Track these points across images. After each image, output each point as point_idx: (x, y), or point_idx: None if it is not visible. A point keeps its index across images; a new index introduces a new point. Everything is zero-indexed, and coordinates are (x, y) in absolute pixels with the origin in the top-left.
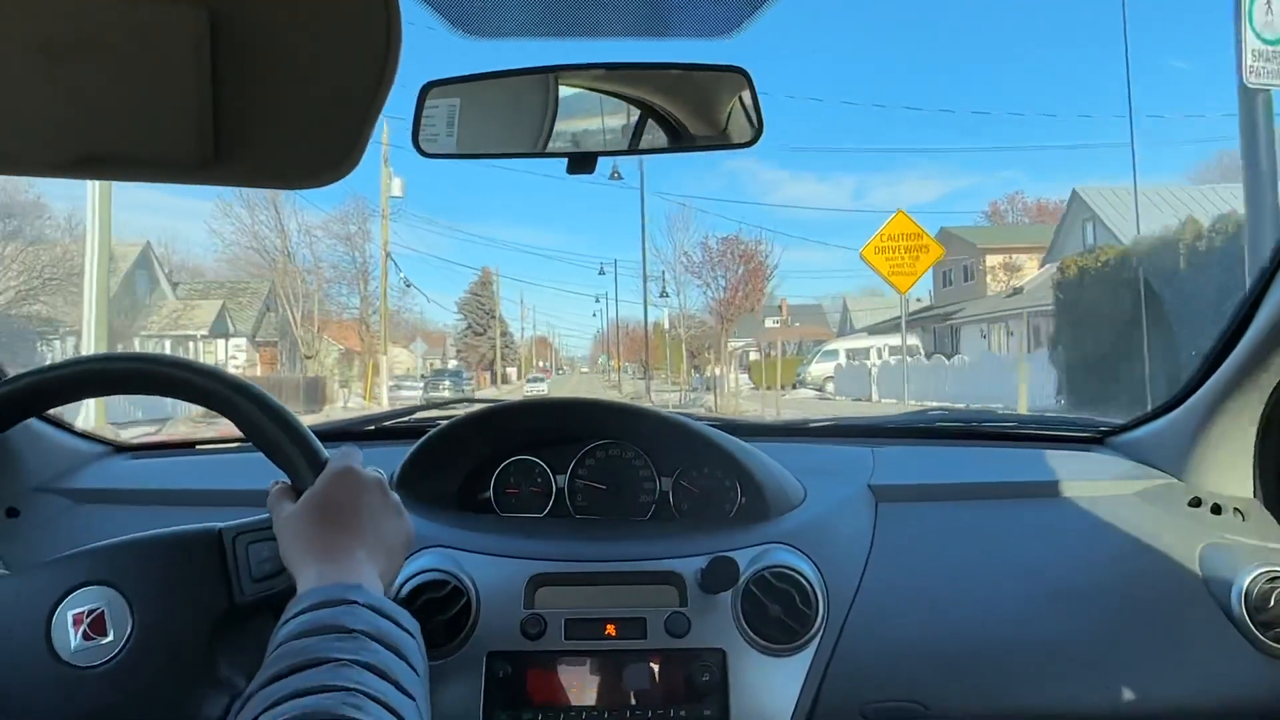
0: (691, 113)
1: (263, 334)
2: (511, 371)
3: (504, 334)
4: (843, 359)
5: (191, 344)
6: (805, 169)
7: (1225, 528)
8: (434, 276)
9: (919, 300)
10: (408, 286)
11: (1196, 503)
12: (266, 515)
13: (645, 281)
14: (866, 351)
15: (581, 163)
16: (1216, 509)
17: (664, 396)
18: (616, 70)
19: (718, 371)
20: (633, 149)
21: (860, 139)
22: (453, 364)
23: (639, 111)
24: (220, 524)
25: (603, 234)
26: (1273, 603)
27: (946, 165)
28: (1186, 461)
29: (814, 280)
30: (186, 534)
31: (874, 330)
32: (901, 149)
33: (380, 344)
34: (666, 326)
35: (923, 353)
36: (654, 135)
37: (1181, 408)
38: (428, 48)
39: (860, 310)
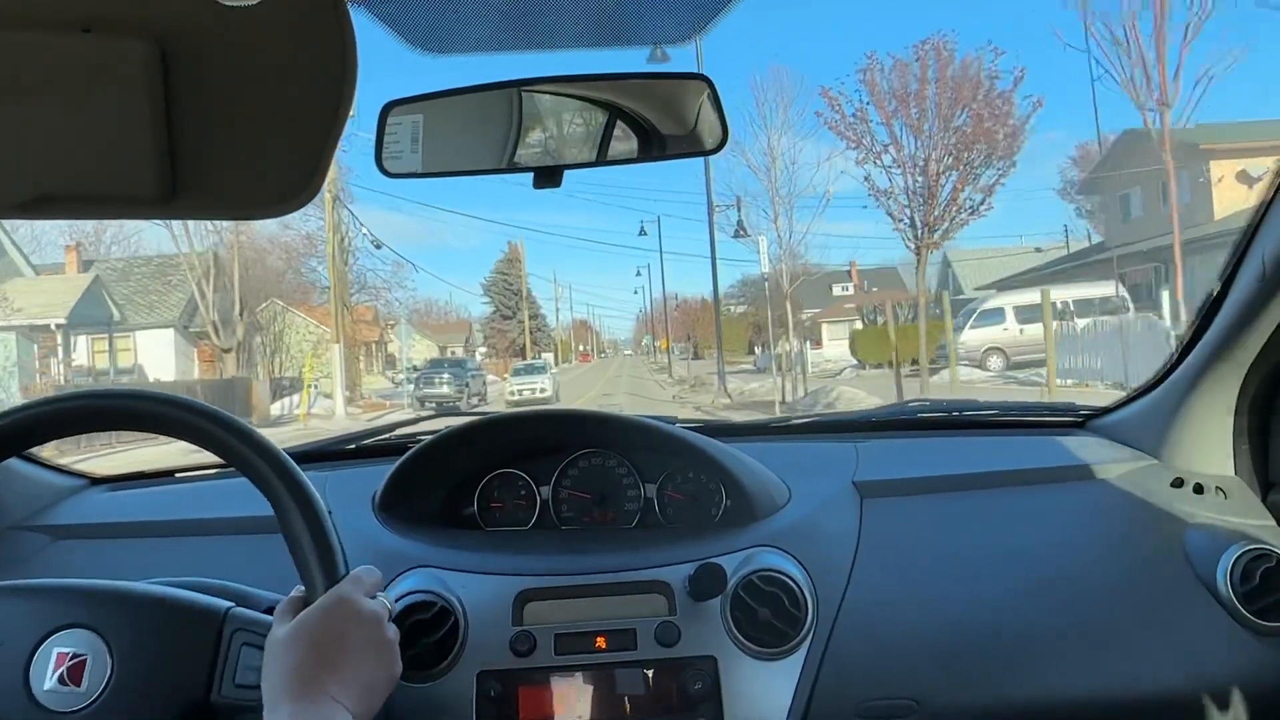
0: (657, 121)
1: (200, 323)
2: (548, 357)
3: (534, 316)
4: (1011, 321)
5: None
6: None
7: (1208, 507)
8: (459, 262)
9: (1036, 250)
10: (377, 248)
11: (1179, 483)
12: (271, 620)
13: (711, 212)
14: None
15: (548, 176)
16: (1199, 489)
17: (751, 385)
18: (580, 81)
19: (791, 346)
20: (600, 160)
21: None
22: (480, 351)
23: (604, 122)
24: (228, 605)
25: (642, 173)
26: (1258, 580)
27: None
28: (1167, 442)
29: (864, 251)
30: (191, 604)
31: (1005, 285)
32: None
33: (343, 328)
34: (766, 269)
35: (1131, 306)
36: (620, 145)
37: (1160, 388)
38: (388, 65)
39: (967, 261)
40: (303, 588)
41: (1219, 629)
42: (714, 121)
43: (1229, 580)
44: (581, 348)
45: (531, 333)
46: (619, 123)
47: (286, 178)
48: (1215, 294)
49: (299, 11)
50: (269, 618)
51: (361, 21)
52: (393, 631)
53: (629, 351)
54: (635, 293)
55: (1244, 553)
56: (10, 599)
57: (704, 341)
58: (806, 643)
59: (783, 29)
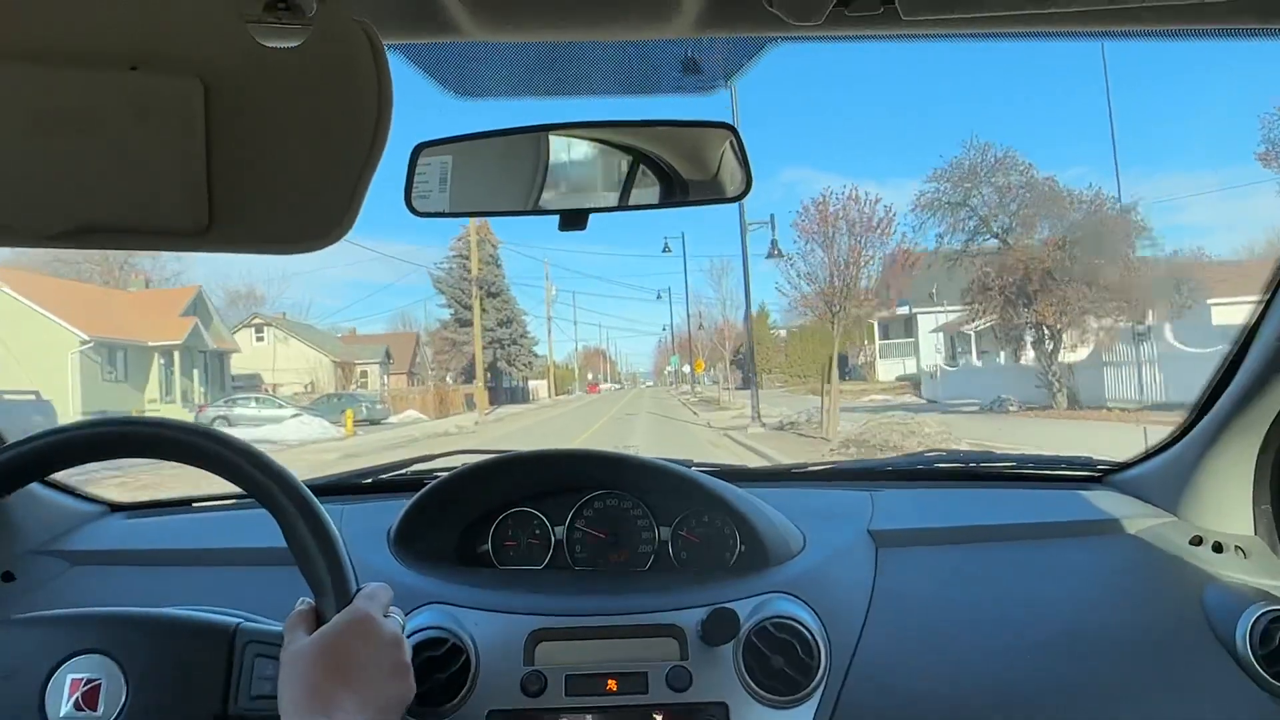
0: (681, 167)
1: None
2: (539, 386)
3: (507, 323)
4: None
5: None
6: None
7: (1227, 566)
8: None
9: None
10: None
11: (1198, 541)
12: (281, 630)
13: None
14: None
15: (573, 220)
16: (1218, 547)
17: None
18: (606, 127)
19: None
20: (624, 205)
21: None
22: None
23: (629, 168)
24: (237, 620)
25: None
26: (1278, 643)
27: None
28: (1186, 499)
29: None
30: (201, 622)
31: None
32: None
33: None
34: None
35: None
36: (645, 190)
37: (1180, 444)
38: (420, 106)
39: None
40: (309, 600)
41: (1237, 690)
42: (736, 169)
43: (1248, 641)
44: (591, 376)
45: (504, 345)
46: (643, 168)
47: (320, 214)
48: (1236, 350)
49: (338, 54)
50: (279, 626)
51: (397, 65)
52: (408, 653)
53: (649, 383)
54: (659, 297)
55: (1264, 614)
56: (21, 630)
57: (762, 364)
58: (819, 691)
59: None
